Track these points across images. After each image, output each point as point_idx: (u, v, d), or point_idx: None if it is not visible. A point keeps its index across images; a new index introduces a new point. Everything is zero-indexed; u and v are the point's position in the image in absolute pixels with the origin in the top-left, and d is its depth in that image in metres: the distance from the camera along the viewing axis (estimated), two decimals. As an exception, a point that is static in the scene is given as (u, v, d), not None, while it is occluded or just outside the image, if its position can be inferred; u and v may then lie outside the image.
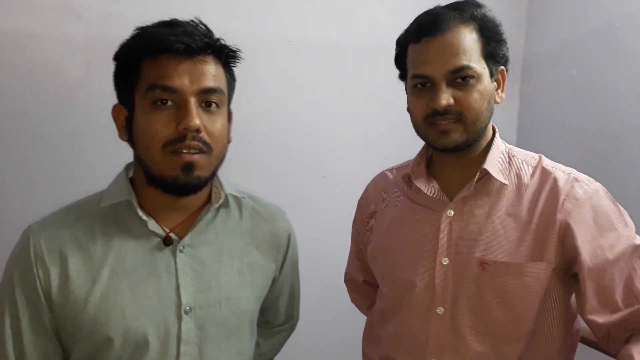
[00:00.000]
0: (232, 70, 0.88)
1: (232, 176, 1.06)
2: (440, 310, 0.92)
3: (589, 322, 0.87)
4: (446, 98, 0.87)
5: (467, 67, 0.87)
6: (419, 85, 0.91)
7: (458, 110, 0.88)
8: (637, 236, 0.89)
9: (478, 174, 0.92)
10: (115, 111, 0.85)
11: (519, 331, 0.89)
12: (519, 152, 0.99)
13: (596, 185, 0.91)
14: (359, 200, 1.19)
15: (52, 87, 1.42)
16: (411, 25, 0.95)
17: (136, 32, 0.82)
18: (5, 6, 1.37)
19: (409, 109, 0.99)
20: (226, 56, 0.84)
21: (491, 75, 0.91)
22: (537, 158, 0.98)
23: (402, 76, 1.01)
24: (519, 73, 1.93)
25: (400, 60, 0.98)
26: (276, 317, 1.04)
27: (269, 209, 0.99)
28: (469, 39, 0.89)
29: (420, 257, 0.96)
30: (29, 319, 0.79)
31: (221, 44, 0.83)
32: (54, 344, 0.81)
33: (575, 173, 0.93)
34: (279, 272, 0.98)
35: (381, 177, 1.16)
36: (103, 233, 0.82)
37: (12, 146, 1.41)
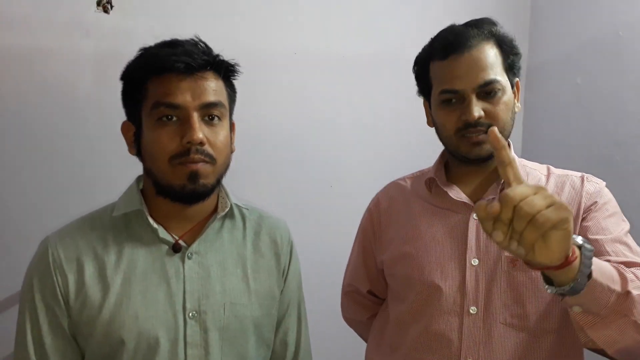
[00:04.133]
0: (232, 83, 0.92)
1: (240, 186, 1.08)
2: (473, 309, 0.95)
3: None
4: (477, 110, 0.92)
5: (495, 81, 0.93)
6: (447, 100, 0.96)
7: (487, 122, 0.93)
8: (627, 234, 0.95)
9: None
10: (124, 128, 0.90)
11: (550, 324, 0.92)
12: (528, 163, 1.05)
13: (602, 184, 0.99)
14: (369, 208, 1.19)
15: (63, 102, 1.45)
16: (433, 42, 1.00)
17: (140, 53, 0.87)
18: (16, 22, 1.40)
19: (432, 123, 1.04)
20: (225, 71, 0.89)
21: (512, 86, 0.97)
22: (546, 167, 1.04)
23: (423, 91, 1.06)
24: (524, 82, 1.94)
25: (422, 77, 1.03)
26: (285, 347, 1.01)
27: (271, 220, 1.02)
28: (492, 54, 0.94)
29: (449, 258, 0.99)
30: (49, 324, 0.82)
31: (220, 60, 0.87)
32: (72, 348, 0.84)
33: (585, 174, 1.01)
34: (284, 282, 0.99)
35: (394, 186, 1.18)
36: (115, 241, 0.86)
37: (23, 160, 1.43)
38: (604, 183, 1.00)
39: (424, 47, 1.03)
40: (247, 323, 0.89)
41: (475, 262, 0.96)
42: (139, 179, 0.93)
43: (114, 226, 0.87)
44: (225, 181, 0.96)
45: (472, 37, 0.94)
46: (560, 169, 1.03)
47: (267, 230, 0.99)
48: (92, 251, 0.85)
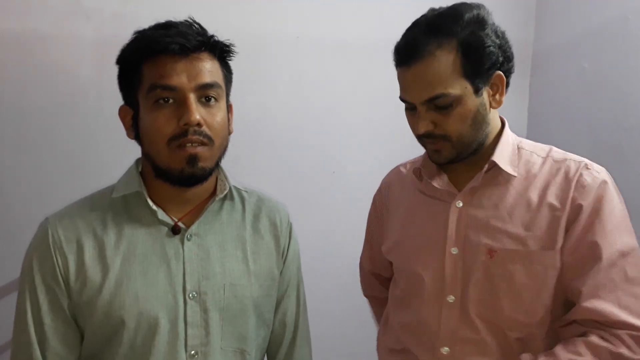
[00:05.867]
0: (228, 64, 0.92)
1: (242, 172, 1.07)
2: (450, 298, 0.95)
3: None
4: (425, 125, 0.90)
5: (443, 95, 0.87)
6: (406, 106, 0.95)
7: (440, 134, 0.91)
8: (629, 243, 0.87)
9: (487, 165, 0.95)
10: (121, 112, 0.90)
11: (525, 320, 0.90)
12: (528, 144, 0.99)
13: (605, 175, 0.91)
14: (374, 195, 1.22)
15: (64, 87, 1.44)
16: (396, 45, 0.94)
17: (134, 35, 0.87)
18: (16, 7, 1.39)
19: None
20: (220, 51, 0.88)
21: (476, 90, 0.89)
22: (547, 149, 0.98)
23: None
24: (529, 66, 1.92)
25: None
26: (283, 327, 1.03)
27: (271, 202, 1.03)
28: (444, 64, 0.86)
29: (430, 247, 0.98)
30: (48, 305, 0.83)
31: (214, 41, 0.87)
32: (72, 328, 0.85)
33: (587, 161, 0.93)
34: (283, 264, 1.00)
35: (394, 172, 1.19)
36: (115, 222, 0.87)
37: (24, 145, 1.43)
38: (607, 175, 0.91)
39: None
40: (247, 303, 0.90)
41: (454, 250, 0.95)
42: (137, 161, 0.93)
43: (113, 208, 0.88)
44: (227, 167, 0.96)
45: (423, 45, 0.87)
46: (562, 152, 0.97)
47: (266, 213, 1.00)
48: (91, 232, 0.85)
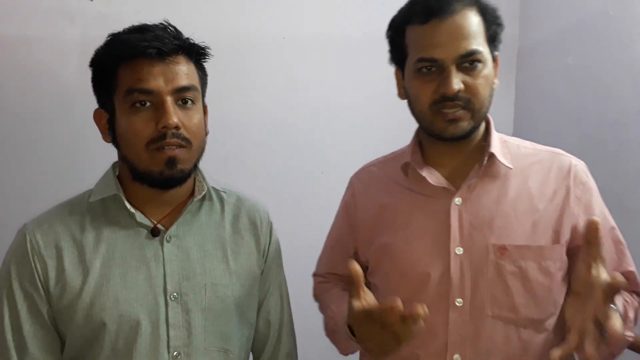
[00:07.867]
0: (203, 66, 0.92)
1: (230, 173, 1.07)
2: (459, 301, 0.90)
3: None
4: (457, 83, 0.85)
5: (477, 52, 0.86)
6: (424, 70, 0.88)
7: (467, 97, 0.86)
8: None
9: (486, 158, 0.91)
10: (96, 115, 0.90)
11: (540, 315, 0.89)
12: (510, 138, 0.99)
13: (586, 168, 0.97)
14: (345, 199, 1.13)
15: (48, 89, 1.43)
16: (413, 5, 0.91)
17: (109, 39, 0.87)
18: (-1, 10, 1.37)
19: (405, 95, 0.96)
20: (196, 54, 0.89)
21: (492, 59, 0.90)
22: (529, 143, 0.99)
23: (396, 59, 0.97)
24: (515, 62, 1.93)
25: (397, 43, 0.94)
26: (268, 326, 1.02)
27: (250, 202, 1.03)
28: (475, 22, 0.87)
29: (433, 248, 0.92)
30: (27, 311, 0.83)
31: (190, 44, 0.88)
32: (52, 334, 0.85)
33: (571, 156, 0.97)
34: (264, 263, 1.00)
35: (364, 172, 1.12)
36: (93, 226, 0.87)
37: (8, 149, 1.42)
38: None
39: (401, 9, 0.93)
40: (229, 303, 0.91)
41: (459, 250, 0.90)
42: (114, 164, 0.93)
43: (91, 212, 0.88)
44: (215, 167, 0.96)
45: (455, 1, 0.86)
46: (544, 146, 0.98)
47: (246, 212, 1.00)
48: (70, 236, 0.86)
